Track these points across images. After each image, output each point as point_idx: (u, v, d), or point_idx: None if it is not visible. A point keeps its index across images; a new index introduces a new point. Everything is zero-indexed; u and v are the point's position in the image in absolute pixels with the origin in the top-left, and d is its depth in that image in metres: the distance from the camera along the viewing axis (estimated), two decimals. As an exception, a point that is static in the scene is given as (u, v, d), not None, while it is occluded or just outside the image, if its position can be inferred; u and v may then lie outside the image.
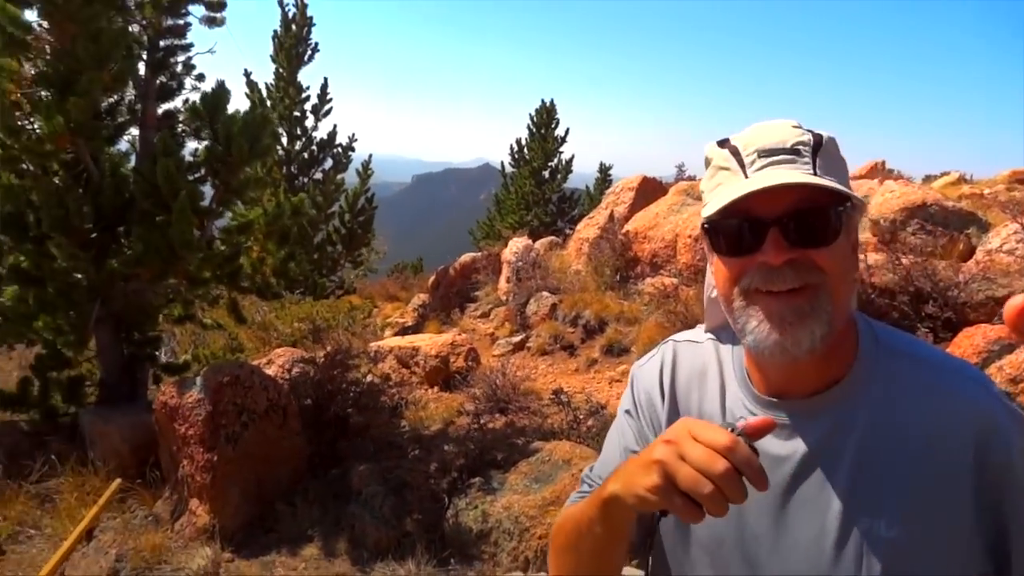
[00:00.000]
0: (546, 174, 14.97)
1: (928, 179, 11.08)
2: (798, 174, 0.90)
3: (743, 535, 1.07)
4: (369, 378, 3.93)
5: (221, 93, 3.80)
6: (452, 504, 2.40)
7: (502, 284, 7.43)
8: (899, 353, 1.04)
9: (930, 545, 1.00)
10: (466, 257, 8.50)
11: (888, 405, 1.00)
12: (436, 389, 4.32)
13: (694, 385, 1.17)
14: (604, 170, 16.33)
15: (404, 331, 7.13)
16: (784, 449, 1.00)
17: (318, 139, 10.97)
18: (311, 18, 11.29)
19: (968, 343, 2.76)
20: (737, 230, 0.91)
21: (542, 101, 15.27)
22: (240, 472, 2.63)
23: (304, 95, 10.98)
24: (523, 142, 15.36)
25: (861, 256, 4.25)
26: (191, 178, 3.80)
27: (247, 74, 10.67)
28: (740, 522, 1.06)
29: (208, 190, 3.96)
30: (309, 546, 2.45)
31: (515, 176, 15.38)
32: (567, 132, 15.15)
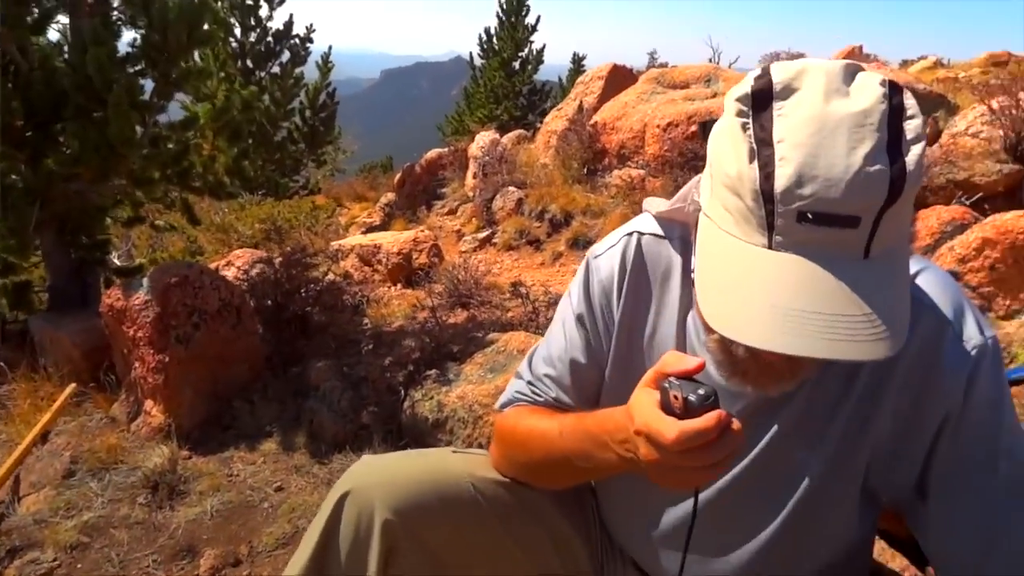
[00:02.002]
0: (516, 65, 14.45)
1: (905, 64, 10.87)
2: (832, 295, 0.69)
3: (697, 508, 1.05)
4: (330, 277, 3.89)
5: (156, -25, 3.52)
6: (408, 396, 2.42)
7: (469, 180, 7.30)
8: None
9: (855, 481, 1.00)
10: (432, 153, 8.29)
11: None
12: (399, 286, 4.30)
13: (656, 287, 1.08)
14: (577, 60, 15.77)
15: (371, 230, 7.04)
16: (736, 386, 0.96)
17: (273, 30, 10.40)
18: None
19: (923, 224, 2.76)
20: None
21: (511, -13, 14.55)
22: (194, 372, 2.60)
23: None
24: (492, 31, 14.71)
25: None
26: (131, 70, 3.57)
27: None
28: None
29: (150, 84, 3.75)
30: (268, 441, 2.47)
31: (484, 68, 14.84)
32: (538, 20, 14.51)
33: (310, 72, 10.39)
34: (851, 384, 0.94)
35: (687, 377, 0.74)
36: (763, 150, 0.70)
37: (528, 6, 14.37)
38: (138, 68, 3.75)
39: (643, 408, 0.77)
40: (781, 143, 0.69)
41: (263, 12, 10.40)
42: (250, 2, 10.22)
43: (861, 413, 0.95)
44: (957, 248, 2.52)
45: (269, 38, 10.36)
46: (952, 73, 7.88)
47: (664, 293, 1.07)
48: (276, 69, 10.17)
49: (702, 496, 1.08)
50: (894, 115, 0.70)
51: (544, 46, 14.69)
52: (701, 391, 0.70)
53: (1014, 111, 3.88)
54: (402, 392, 2.43)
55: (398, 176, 8.42)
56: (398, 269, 4.30)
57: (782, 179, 0.68)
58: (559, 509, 1.27)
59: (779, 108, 0.71)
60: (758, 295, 0.71)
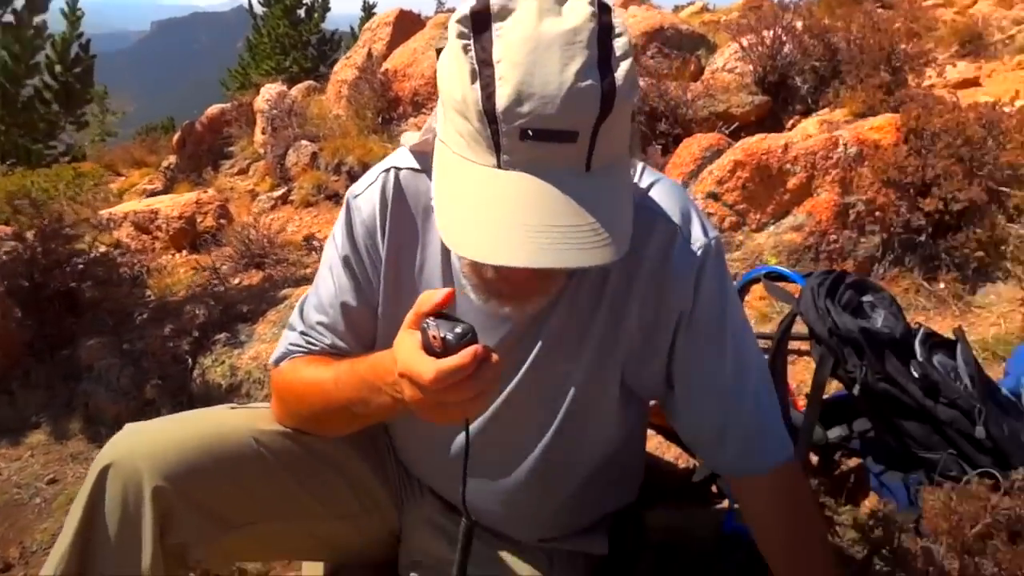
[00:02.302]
0: (302, 13, 13.65)
1: (677, 9, 11.70)
2: (563, 213, 0.72)
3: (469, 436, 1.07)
4: (101, 249, 3.51)
5: None
6: (197, 364, 2.27)
7: (258, 136, 6.86)
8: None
9: (615, 383, 1.08)
10: (214, 109, 7.66)
11: None
12: (184, 253, 3.99)
13: (418, 221, 1.07)
14: (368, 8, 15.19)
15: (153, 196, 6.41)
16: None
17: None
18: None
19: (687, 152, 3.02)
20: None
21: (286, -75, 13.60)
22: (-69, 367, 2.26)
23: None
24: (271, -25, 13.74)
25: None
26: None
27: None
28: None
29: None
30: (35, 433, 2.22)
31: (267, 17, 13.87)
32: (320, -37, 13.76)
33: (56, 23, 9.04)
34: (601, 295, 1.02)
35: (447, 316, 0.76)
36: (484, 70, 0.72)
37: (308, -52, 13.58)
38: None
39: (403, 350, 0.79)
40: (500, 63, 0.71)
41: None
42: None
43: (613, 320, 1.03)
44: (715, 171, 2.78)
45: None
46: (715, 17, 8.62)
47: (427, 227, 1.07)
48: (9, 18, 8.73)
49: (482, 418, 1.12)
50: (603, 33, 0.74)
51: (330, -8, 14.02)
52: (458, 329, 0.72)
53: (760, 48, 4.32)
54: (189, 360, 2.28)
55: (177, 136, 7.70)
56: (181, 235, 3.97)
57: (502, 98, 0.70)
58: (352, 452, 1.26)
59: (497, 29, 0.73)
60: (492, 214, 0.74)
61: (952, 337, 1.53)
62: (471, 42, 0.74)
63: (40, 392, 2.39)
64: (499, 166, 0.74)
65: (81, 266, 3.11)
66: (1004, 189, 2.44)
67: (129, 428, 1.13)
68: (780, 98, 4.25)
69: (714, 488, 1.69)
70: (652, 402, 1.56)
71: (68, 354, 2.61)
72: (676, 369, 1.06)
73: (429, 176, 1.07)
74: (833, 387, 1.85)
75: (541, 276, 0.85)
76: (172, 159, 7.51)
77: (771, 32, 4.22)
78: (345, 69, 6.91)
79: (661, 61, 4.72)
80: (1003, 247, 2.47)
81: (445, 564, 0.91)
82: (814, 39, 4.12)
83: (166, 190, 6.89)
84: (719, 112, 4.12)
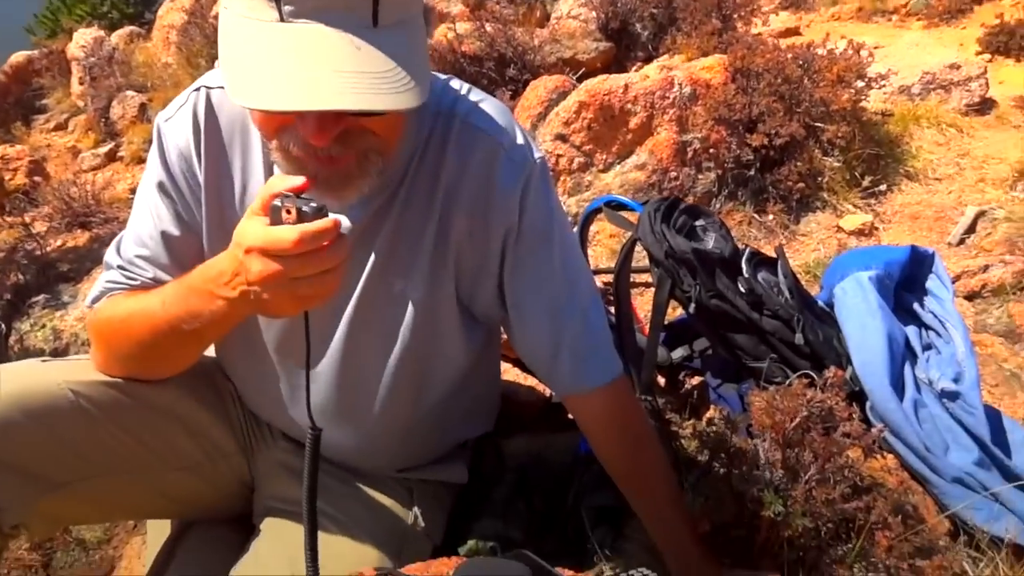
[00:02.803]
0: (118, -49, 12.29)
1: (523, -40, 11.60)
2: (347, 60, 0.70)
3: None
4: None
5: None
6: (13, 329, 2.05)
7: (75, 87, 6.17)
8: (437, 113, 1.02)
9: (451, 303, 1.09)
10: (19, 57, 6.79)
11: (427, 170, 1.00)
12: (-8, 216, 3.55)
13: (236, 140, 1.03)
14: (195, -51, 13.97)
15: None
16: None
17: None
18: None
19: (534, 95, 3.05)
20: None
21: None
22: None
23: None
24: (77, -93, 12.22)
25: (452, 26, 4.34)
26: None
27: None
28: None
29: None
30: None
31: (77, -46, 12.38)
32: None
33: None
34: (429, 210, 1.02)
35: (297, 196, 0.74)
36: None
37: None
38: None
39: (253, 229, 0.75)
40: None
41: None
42: None
43: (441, 234, 1.03)
44: (561, 113, 2.83)
45: None
46: (560, -34, 8.70)
47: (247, 144, 1.03)
48: None
49: (328, 344, 1.09)
50: None
51: (151, -71, 12.70)
52: (313, 203, 0.72)
53: (600, -6, 4.41)
54: (2, 326, 2.05)
55: (-25, 88, 6.78)
56: (-14, 195, 3.52)
57: None
58: (190, 399, 1.20)
59: None
60: (280, 64, 0.71)
61: (774, 255, 1.66)
62: None
63: None
64: (282, 19, 0.72)
65: None
66: (819, 125, 2.66)
67: None
68: (623, 45, 4.38)
69: (569, 415, 1.77)
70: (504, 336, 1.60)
71: None
72: (507, 287, 1.09)
73: None
74: (677, 314, 1.98)
75: (349, 144, 0.83)
76: (-29, 116, 6.61)
77: (612, -21, 4.31)
78: (172, 13, 6.33)
79: (507, 7, 4.70)
80: (820, 179, 2.71)
81: (301, 506, 0.89)
82: (651, -14, 4.26)
83: (-34, 150, 6.07)
84: (566, 59, 4.18)
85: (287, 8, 0.71)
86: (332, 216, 0.73)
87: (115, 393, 1.09)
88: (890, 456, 1.44)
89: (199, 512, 1.30)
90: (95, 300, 1.09)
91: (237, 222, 0.93)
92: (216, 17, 5.52)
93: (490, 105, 1.05)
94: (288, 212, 0.72)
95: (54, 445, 1.03)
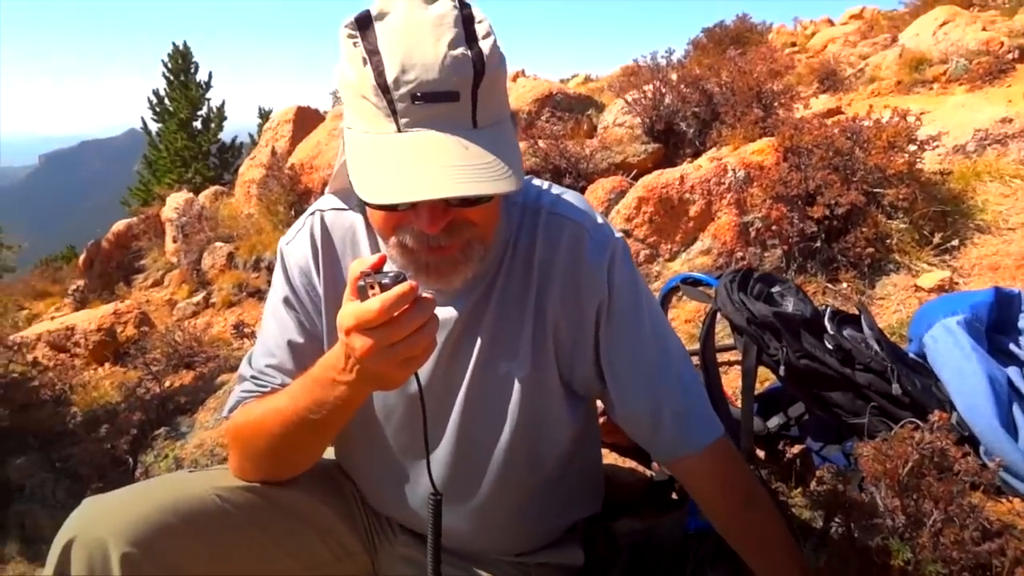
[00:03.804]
0: (198, 125, 13.72)
1: (564, 81, 12.41)
2: (457, 155, 0.83)
3: (407, 398, 1.13)
4: (14, 373, 3.36)
5: None
6: (140, 463, 2.20)
7: (169, 245, 6.76)
8: (524, 206, 1.16)
9: (554, 380, 1.17)
10: (120, 225, 7.52)
11: (520, 258, 1.13)
12: (107, 366, 3.85)
13: (347, 252, 1.17)
14: (264, 115, 15.39)
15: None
16: (440, 314, 1.07)
17: None
18: None
19: (593, 197, 3.21)
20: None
21: (173, 45, 13.74)
22: None
23: None
24: (163, 92, 13.77)
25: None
26: None
27: None
28: (407, 388, 1.12)
29: None
30: (-32, 566, 2.07)
31: (163, 132, 13.84)
32: (211, 76, 13.94)
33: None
34: (526, 295, 1.12)
35: (377, 272, 0.84)
36: (373, 57, 0.85)
37: (196, 63, 13.74)
38: None
39: (347, 311, 0.85)
40: (384, 47, 0.84)
41: None
42: None
43: (539, 316, 1.12)
44: (622, 211, 2.96)
45: None
46: (598, 85, 9.24)
47: (356, 249, 1.16)
48: None
49: (444, 428, 1.17)
50: (467, 20, 0.88)
51: (224, 102, 14.18)
52: (391, 273, 0.81)
53: (644, 101, 4.66)
54: (130, 460, 2.20)
55: (83, 257, 7.48)
56: (102, 347, 3.84)
57: (391, 71, 0.83)
58: (318, 502, 1.27)
59: (379, 26, 0.86)
60: (399, 166, 0.84)
61: (856, 312, 1.68)
62: (359, 39, 0.87)
63: (-33, 525, 2.24)
64: (399, 130, 0.85)
65: (-3, 392, 2.98)
66: (878, 190, 2.70)
67: (88, 501, 1.11)
68: (671, 144, 4.56)
69: (674, 495, 1.76)
70: (602, 419, 1.65)
71: (-7, 482, 2.47)
72: (604, 359, 1.15)
73: (353, 210, 1.17)
74: (765, 385, 1.98)
75: (455, 234, 0.93)
76: (79, 283, 7.26)
77: (651, 86, 4.56)
78: (251, 170, 6.95)
79: (555, 123, 5.00)
80: (888, 241, 2.72)
81: None
82: (689, 87, 4.48)
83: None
84: (617, 163, 4.39)
85: (403, 120, 0.85)
86: (409, 281, 0.81)
87: (254, 497, 1.18)
88: (1016, 500, 1.39)
89: (327, 608, 1.35)
90: (231, 409, 1.20)
91: None
92: (291, 168, 6.05)
93: (570, 195, 1.17)
94: (372, 288, 0.81)
95: (205, 547, 1.10)
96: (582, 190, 4.13)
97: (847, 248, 2.70)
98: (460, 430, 1.17)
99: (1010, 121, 3.38)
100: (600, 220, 1.16)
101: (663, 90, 4.57)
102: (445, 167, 0.83)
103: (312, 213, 1.20)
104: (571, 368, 1.18)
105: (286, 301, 1.18)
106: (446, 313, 1.11)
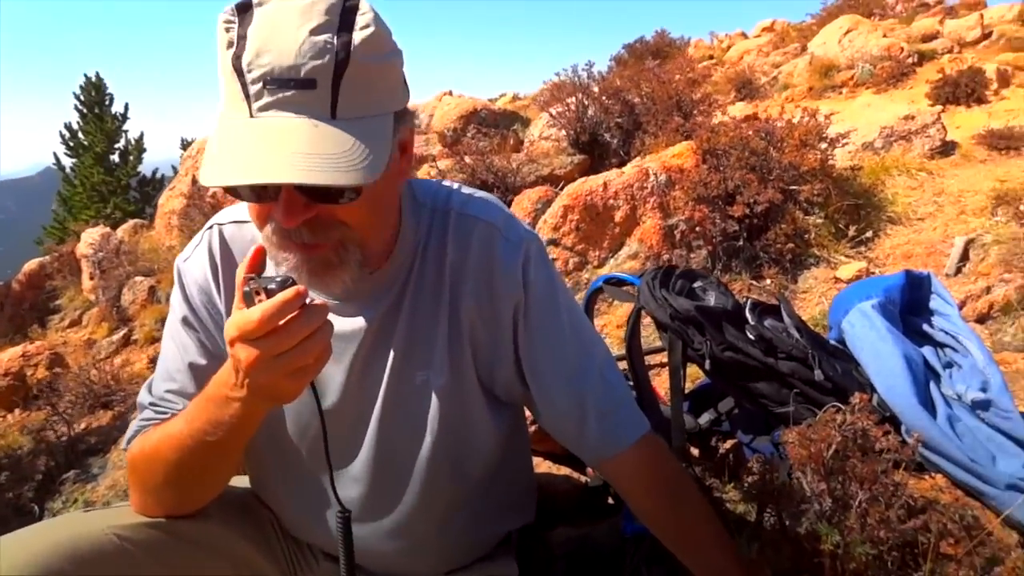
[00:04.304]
0: (115, 159, 13.22)
1: (492, 100, 12.51)
2: (303, 141, 0.78)
3: (329, 416, 1.07)
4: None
5: None
6: (47, 510, 2.05)
7: (86, 283, 6.43)
8: (434, 209, 1.11)
9: (473, 385, 1.13)
10: (32, 264, 7.12)
11: (431, 262, 1.08)
12: (17, 412, 3.60)
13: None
14: (186, 145, 14.96)
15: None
16: (348, 326, 1.00)
17: None
18: None
19: (520, 208, 3.20)
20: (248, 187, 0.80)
21: (85, 76, 13.25)
22: None
23: None
24: (76, 126, 13.25)
25: (433, 164, 4.60)
26: None
27: None
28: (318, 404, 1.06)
29: None
30: None
31: (78, 167, 13.28)
32: (127, 107, 13.51)
33: None
34: (438, 299, 1.07)
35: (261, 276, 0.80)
36: (240, 42, 0.81)
37: (111, 94, 13.27)
38: None
39: (231, 320, 0.79)
40: (251, 32, 0.80)
41: None
42: None
43: (453, 321, 1.08)
44: (549, 220, 2.96)
45: None
46: (524, 102, 9.38)
47: None
48: None
49: (360, 446, 1.11)
50: (347, 11, 0.83)
51: (142, 133, 13.72)
52: (279, 278, 0.76)
53: (568, 114, 4.71)
54: (35, 508, 2.05)
55: (-9, 301, 7.05)
56: (10, 392, 3.59)
57: (248, 54, 0.79)
58: (231, 533, 1.20)
59: (256, 11, 0.82)
60: (248, 150, 0.79)
61: (776, 302, 1.70)
62: (235, 23, 0.82)
63: None
64: (251, 115, 0.80)
65: None
66: (794, 188, 2.78)
67: None
68: (596, 155, 4.62)
69: (609, 499, 1.74)
70: (533, 427, 1.61)
71: None
72: (524, 360, 1.12)
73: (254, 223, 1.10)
74: (696, 383, 1.99)
75: (321, 233, 0.88)
76: (-11, 329, 6.84)
77: (573, 99, 4.61)
78: (172, 200, 6.72)
79: (481, 139, 5.00)
80: (807, 236, 2.80)
81: None
82: (611, 99, 4.55)
83: (-15, 361, 6.22)
84: (544, 176, 4.41)
85: (255, 105, 0.80)
86: (296, 286, 0.75)
87: (157, 533, 1.09)
88: (938, 476, 1.42)
89: (249, 643, 1.26)
90: (130, 440, 1.12)
91: None
92: (213, 196, 5.87)
93: (481, 196, 1.14)
94: (258, 294, 0.76)
95: None
96: (508, 203, 4.14)
97: (768, 245, 2.76)
98: (378, 444, 1.12)
99: (912, 118, 3.54)
100: (513, 220, 1.13)
101: (586, 102, 4.63)
102: (292, 154, 0.78)
103: (209, 227, 1.14)
104: (491, 372, 1.14)
105: (185, 321, 1.11)
106: (354, 324, 1.05)
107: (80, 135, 13.09)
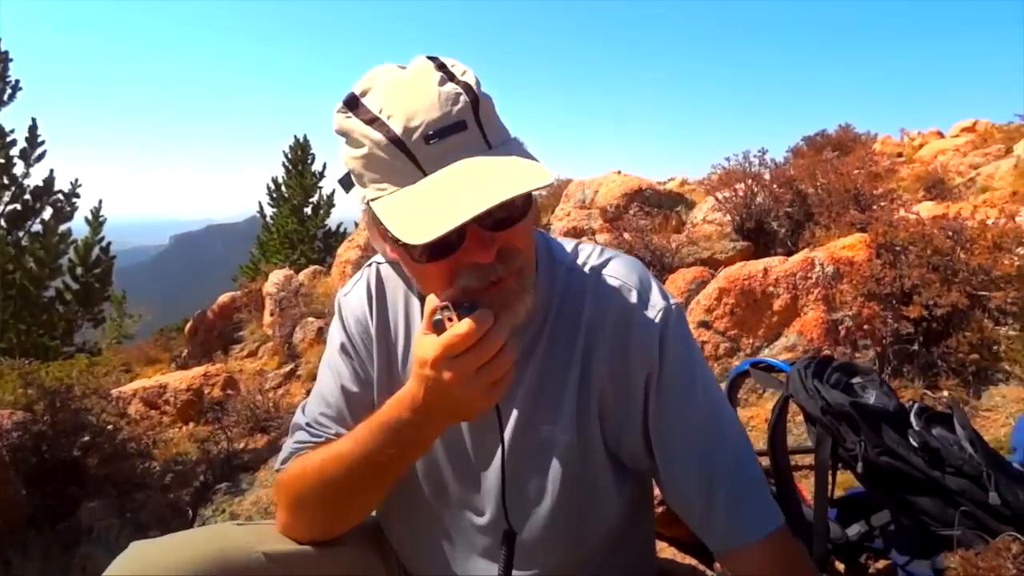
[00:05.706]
0: (308, 211, 14.62)
1: (662, 183, 12.56)
2: (488, 168, 0.84)
3: (451, 454, 1.11)
4: (108, 424, 3.53)
5: None
6: (198, 516, 2.22)
7: (266, 319, 7.07)
8: (572, 265, 1.15)
9: (599, 449, 1.12)
10: (225, 297, 7.96)
11: (566, 319, 1.11)
12: (191, 424, 3.99)
13: (400, 303, 1.20)
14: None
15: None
16: None
17: (31, 187, 9.68)
18: (6, 53, 10.02)
19: (673, 287, 3.15)
20: (441, 238, 0.83)
21: (295, 137, 14.93)
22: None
23: (8, 139, 9.63)
24: (280, 180, 14.88)
25: (592, 238, 4.66)
26: None
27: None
28: (445, 443, 1.11)
29: None
30: (29, 601, 2.12)
31: (276, 217, 14.84)
32: (325, 166, 14.98)
33: (79, 228, 9.71)
34: (571, 355, 1.08)
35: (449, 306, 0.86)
36: (375, 124, 0.87)
37: (313, 154, 14.82)
38: None
39: (429, 344, 0.86)
40: (381, 111, 0.87)
41: (18, 170, 9.70)
42: (0, 160, 9.50)
43: (584, 379, 1.08)
44: (702, 301, 2.88)
45: (27, 195, 9.60)
46: (694, 186, 9.32)
47: (409, 311, 1.17)
48: (38, 227, 9.36)
49: (488, 504, 1.12)
50: (441, 67, 0.91)
51: (334, 191, 15.11)
52: (466, 304, 0.83)
53: (735, 199, 4.62)
54: (190, 512, 2.23)
55: (189, 325, 7.94)
56: (188, 406, 4.00)
57: (397, 125, 0.85)
58: (364, 561, 1.24)
59: (367, 99, 0.90)
60: (449, 195, 0.83)
61: (947, 411, 1.53)
62: (352, 116, 0.90)
63: (37, 563, 2.31)
64: (426, 174, 0.86)
65: (87, 439, 3.12)
66: (983, 293, 2.52)
67: (134, 545, 1.11)
68: (761, 243, 4.46)
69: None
70: (660, 508, 1.54)
71: (68, 524, 2.55)
72: (653, 432, 1.08)
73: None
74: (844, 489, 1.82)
75: (508, 261, 0.92)
76: (184, 350, 7.67)
77: (742, 185, 4.52)
78: (348, 251, 7.27)
79: (643, 218, 5.01)
80: (995, 348, 2.51)
81: None
82: (783, 187, 4.41)
83: (175, 377, 6.97)
84: (704, 259, 4.32)
85: (426, 165, 0.86)
86: (481, 310, 0.83)
87: (300, 561, 1.14)
88: None
89: None
90: (284, 461, 1.20)
91: (402, 379, 1.03)
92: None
93: (623, 259, 1.14)
94: (450, 319, 0.83)
95: None
96: (663, 281, 4.08)
97: (948, 353, 2.50)
98: (509, 492, 1.12)
99: None
100: (654, 285, 1.12)
101: (755, 188, 4.52)
102: (489, 179, 0.83)
103: (369, 265, 1.23)
104: (618, 439, 1.12)
105: (342, 348, 1.20)
106: None
107: (283, 188, 14.72)
